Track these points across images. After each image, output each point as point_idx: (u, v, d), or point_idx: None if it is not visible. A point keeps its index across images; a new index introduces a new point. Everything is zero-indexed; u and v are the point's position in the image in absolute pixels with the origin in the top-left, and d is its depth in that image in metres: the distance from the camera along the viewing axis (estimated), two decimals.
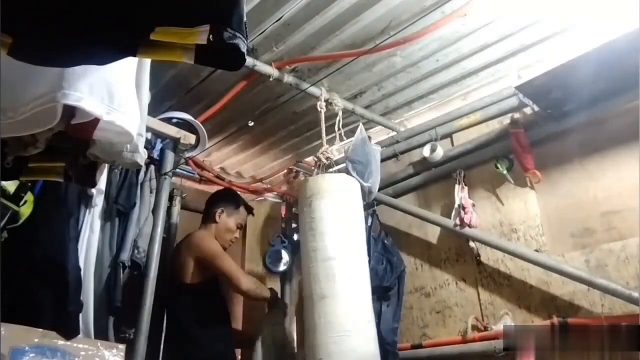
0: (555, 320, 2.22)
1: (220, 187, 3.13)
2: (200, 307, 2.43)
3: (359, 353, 2.02)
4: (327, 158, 2.52)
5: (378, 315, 2.81)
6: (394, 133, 3.23)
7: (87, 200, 2.21)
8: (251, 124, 2.85)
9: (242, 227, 2.75)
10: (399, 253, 3.00)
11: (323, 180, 2.33)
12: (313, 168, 2.61)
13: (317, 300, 2.09)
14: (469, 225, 2.66)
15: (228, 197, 2.78)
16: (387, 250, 2.98)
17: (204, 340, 2.33)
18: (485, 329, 2.55)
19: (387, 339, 2.74)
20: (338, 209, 2.25)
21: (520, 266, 2.54)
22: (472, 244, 2.72)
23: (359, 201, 2.38)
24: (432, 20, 2.21)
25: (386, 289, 2.85)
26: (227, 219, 2.64)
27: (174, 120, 2.74)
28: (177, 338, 2.39)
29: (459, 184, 2.75)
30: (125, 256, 2.31)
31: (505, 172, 2.64)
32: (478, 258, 2.72)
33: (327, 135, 2.61)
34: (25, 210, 1.86)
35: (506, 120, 2.70)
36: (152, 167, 2.57)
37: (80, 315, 2.01)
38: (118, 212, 2.38)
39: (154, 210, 2.48)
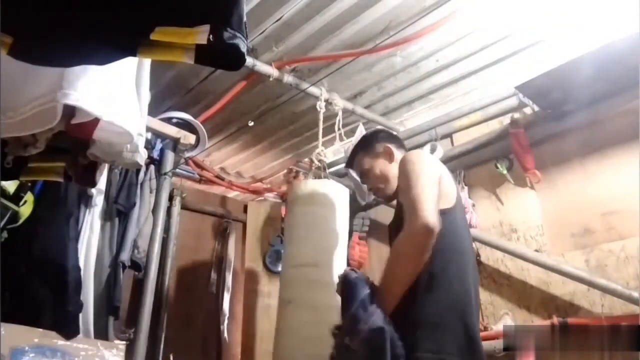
0: (555, 320, 2.22)
1: (221, 187, 3.11)
2: None
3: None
4: (320, 160, 2.47)
5: None
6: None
7: (87, 200, 2.21)
8: (251, 124, 2.84)
9: None
10: None
11: (305, 186, 2.27)
12: (309, 170, 2.60)
13: (283, 305, 2.10)
14: (469, 225, 2.65)
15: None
16: None
17: None
18: (485, 329, 2.54)
19: None
20: (316, 216, 2.18)
21: (520, 266, 2.54)
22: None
23: (344, 208, 2.29)
24: (432, 20, 2.21)
25: None
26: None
27: (174, 120, 2.75)
28: None
29: (459, 184, 2.75)
30: (125, 256, 2.32)
31: (505, 172, 2.64)
32: (478, 258, 2.72)
33: (327, 135, 2.61)
34: (25, 210, 1.86)
35: (506, 120, 2.69)
36: (152, 167, 2.57)
37: (80, 315, 2.01)
38: (118, 212, 2.39)
39: (154, 210, 2.49)
